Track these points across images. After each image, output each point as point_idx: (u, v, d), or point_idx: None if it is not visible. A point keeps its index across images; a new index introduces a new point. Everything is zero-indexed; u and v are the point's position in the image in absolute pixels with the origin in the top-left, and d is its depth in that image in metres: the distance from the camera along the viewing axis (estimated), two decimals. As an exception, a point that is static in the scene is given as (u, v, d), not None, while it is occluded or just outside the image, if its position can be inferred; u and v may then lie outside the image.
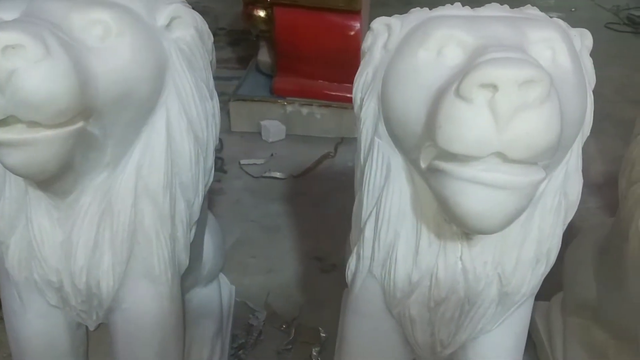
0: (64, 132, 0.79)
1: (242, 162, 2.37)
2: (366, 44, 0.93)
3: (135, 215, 0.95)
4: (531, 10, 0.88)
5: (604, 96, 3.00)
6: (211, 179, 1.09)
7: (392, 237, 0.92)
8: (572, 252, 1.42)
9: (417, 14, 0.88)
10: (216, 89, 1.09)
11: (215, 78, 1.08)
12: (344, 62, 2.30)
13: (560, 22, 0.88)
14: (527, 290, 0.92)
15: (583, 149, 0.91)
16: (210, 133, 1.03)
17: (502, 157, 0.70)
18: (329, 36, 2.38)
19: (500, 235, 0.87)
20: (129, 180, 0.94)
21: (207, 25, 1.03)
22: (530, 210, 0.86)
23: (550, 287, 1.52)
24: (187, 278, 1.33)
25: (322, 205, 2.10)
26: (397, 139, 0.86)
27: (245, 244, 1.94)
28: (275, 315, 1.66)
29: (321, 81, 2.51)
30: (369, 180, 0.93)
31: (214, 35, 1.08)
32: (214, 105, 1.06)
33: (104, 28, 0.84)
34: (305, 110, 2.53)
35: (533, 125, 0.68)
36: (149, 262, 0.99)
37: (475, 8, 0.88)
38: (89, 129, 0.84)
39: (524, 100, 0.67)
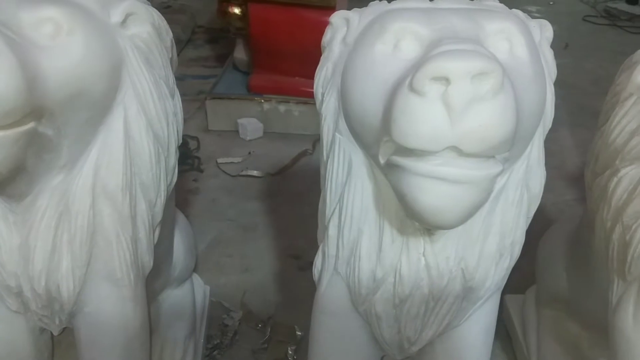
0: (14, 133, 0.77)
1: (219, 160, 2.35)
2: (326, 38, 0.91)
3: (94, 217, 0.93)
4: (490, 2, 0.87)
5: (581, 88, 3.02)
6: (174, 179, 1.07)
7: (355, 235, 0.91)
8: (544, 244, 1.42)
9: (375, 7, 0.87)
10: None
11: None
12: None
13: (519, 13, 0.87)
14: (492, 284, 0.91)
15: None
16: (171, 132, 1.01)
17: (458, 151, 0.69)
18: (305, 32, 2.36)
19: (463, 230, 0.86)
20: (86, 181, 0.92)
21: (165, 22, 1.00)
22: (492, 203, 0.86)
23: (525, 279, 1.53)
24: (156, 280, 1.31)
25: (299, 203, 2.09)
26: (357, 135, 0.85)
27: (221, 243, 1.93)
28: (251, 314, 1.65)
29: (298, 78, 2.49)
30: (331, 178, 0.91)
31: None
32: (175, 103, 1.04)
33: (55, 26, 0.81)
34: (282, 107, 2.52)
35: (487, 117, 0.67)
36: (110, 265, 0.97)
37: (435, 0, 0.86)
38: (41, 130, 0.82)
39: (477, 92, 0.66)
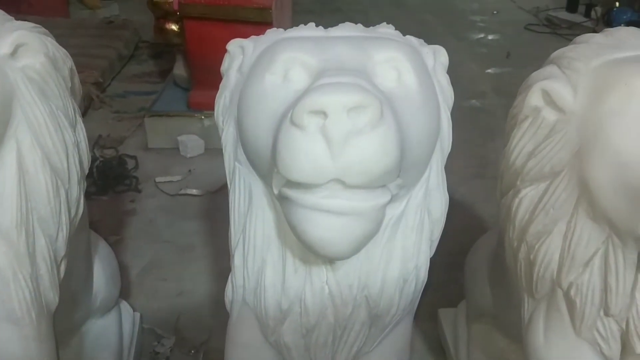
0: None
1: (158, 180, 2.31)
2: (224, 66, 0.91)
3: (-12, 256, 0.89)
4: (384, 29, 0.87)
5: (521, 97, 3.08)
6: (80, 210, 1.04)
7: (259, 264, 0.89)
8: (470, 259, 1.43)
9: (270, 35, 0.86)
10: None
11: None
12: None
13: (412, 40, 0.88)
14: (397, 311, 0.91)
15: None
16: (72, 163, 0.98)
17: (342, 183, 0.69)
18: (242, 48, 2.34)
19: (364, 257, 0.85)
20: (-21, 219, 0.88)
21: (62, 50, 0.98)
22: (392, 229, 0.86)
23: (462, 293, 1.54)
24: (75, 312, 1.27)
25: (238, 221, 2.06)
26: (254, 165, 0.84)
27: (156, 266, 1.89)
28: (185, 340, 1.62)
29: (238, 93, 2.46)
30: (234, 207, 0.90)
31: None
32: (77, 133, 1.01)
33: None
34: (223, 123, 2.48)
35: (366, 150, 0.67)
36: (8, 305, 0.92)
37: (329, 28, 0.86)
38: None
39: (355, 125, 0.66)
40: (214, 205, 2.19)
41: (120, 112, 2.82)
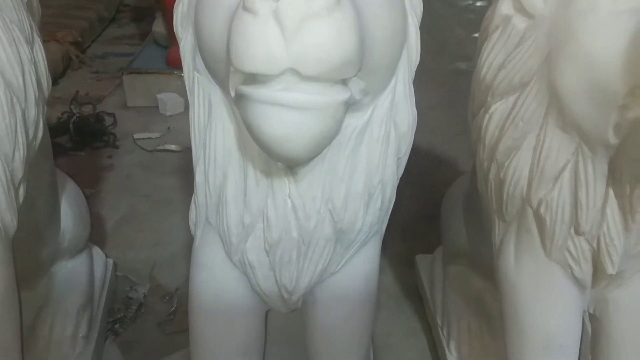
0: None
1: (136, 136, 2.27)
2: (180, -28, 0.86)
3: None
4: None
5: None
6: (39, 134, 1.00)
7: (220, 180, 0.87)
8: (446, 201, 1.41)
9: None
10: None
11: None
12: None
13: None
14: (364, 226, 0.89)
15: None
16: (28, 81, 0.94)
17: (298, 74, 0.66)
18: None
19: (328, 169, 0.83)
20: None
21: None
22: (357, 140, 0.83)
23: (437, 244, 1.53)
24: (42, 249, 1.24)
25: (217, 176, 2.03)
26: (212, 70, 0.81)
27: (133, 218, 1.86)
28: (159, 287, 1.59)
29: (218, 50, 2.42)
30: (194, 120, 0.87)
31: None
32: (35, 52, 0.97)
33: None
34: (204, 81, 2.44)
35: (321, 35, 0.64)
36: (-38, 225, 0.89)
37: None
38: None
39: (310, 8, 0.63)
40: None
41: (100, 72, 2.76)
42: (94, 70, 2.77)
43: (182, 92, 2.46)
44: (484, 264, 1.29)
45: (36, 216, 1.14)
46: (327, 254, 0.89)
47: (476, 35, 0.95)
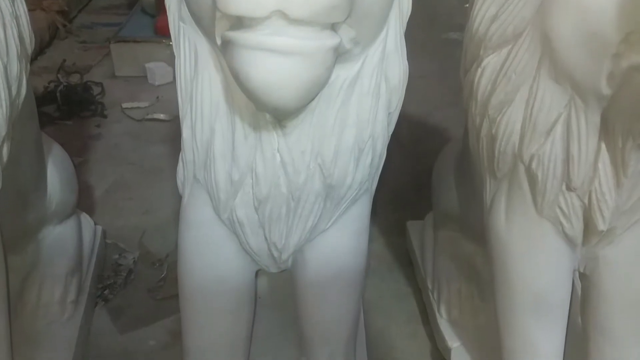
0: None
1: (124, 105, 2.24)
2: None
3: None
4: None
5: None
6: (22, 91, 0.97)
7: (208, 135, 0.85)
8: (437, 165, 1.40)
9: None
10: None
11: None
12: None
13: None
14: (354, 182, 0.87)
15: None
16: (10, 35, 0.91)
17: (286, 17, 0.64)
18: (211, -31, 2.25)
19: (317, 122, 0.81)
20: None
21: None
22: (347, 93, 0.81)
23: (428, 211, 1.53)
24: (28, 213, 1.23)
25: (207, 145, 2.01)
26: (197, 17, 0.78)
27: (121, 187, 1.84)
28: (149, 254, 1.59)
29: (207, 18, 2.38)
30: (180, 73, 0.85)
31: None
32: (16, 6, 0.94)
33: None
34: (193, 50, 2.40)
35: (309, -25, 0.61)
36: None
37: None
38: None
39: (296, -54, 0.61)
40: (183, 130, 2.13)
41: (87, 42, 2.71)
42: (81, 40, 2.72)
43: (171, 61, 2.39)
44: (474, 228, 1.29)
45: (22, 179, 1.12)
46: (317, 210, 0.88)
47: (467, 5, 0.93)
